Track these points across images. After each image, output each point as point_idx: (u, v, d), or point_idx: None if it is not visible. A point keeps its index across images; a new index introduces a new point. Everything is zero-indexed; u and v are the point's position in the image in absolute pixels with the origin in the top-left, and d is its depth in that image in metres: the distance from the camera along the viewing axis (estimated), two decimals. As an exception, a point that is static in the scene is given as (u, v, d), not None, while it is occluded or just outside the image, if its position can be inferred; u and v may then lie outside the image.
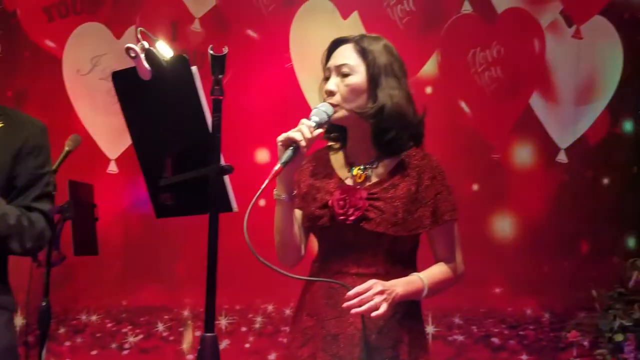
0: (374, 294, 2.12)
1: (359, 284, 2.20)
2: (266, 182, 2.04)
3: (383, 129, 2.31)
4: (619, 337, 4.13)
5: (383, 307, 2.13)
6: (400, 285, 2.21)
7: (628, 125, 5.13)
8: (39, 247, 2.61)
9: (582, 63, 5.10)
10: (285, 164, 2.12)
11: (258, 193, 2.00)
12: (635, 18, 5.14)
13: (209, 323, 1.78)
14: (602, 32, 5.14)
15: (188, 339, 4.93)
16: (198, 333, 4.88)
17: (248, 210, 1.94)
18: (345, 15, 5.03)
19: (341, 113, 2.31)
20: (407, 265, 2.37)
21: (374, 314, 2.11)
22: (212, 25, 5.08)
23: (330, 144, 2.50)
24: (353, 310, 2.10)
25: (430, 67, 5.07)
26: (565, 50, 5.12)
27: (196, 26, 5.08)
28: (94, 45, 5.11)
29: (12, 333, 2.65)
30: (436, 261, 2.44)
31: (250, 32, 5.08)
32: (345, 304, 2.11)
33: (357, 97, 2.31)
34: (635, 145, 5.12)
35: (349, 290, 2.12)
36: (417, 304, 2.39)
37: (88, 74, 5.09)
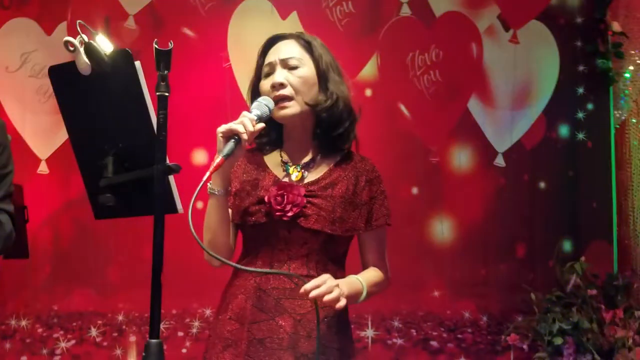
0: (333, 286, 2.06)
1: (289, 285, 2.20)
2: (207, 174, 1.99)
3: (335, 123, 2.30)
4: (557, 341, 4.17)
5: (343, 301, 2.08)
6: (344, 285, 2.15)
7: (564, 130, 5.20)
8: (6, 248, 2.51)
9: (519, 68, 5.16)
10: (227, 156, 2.05)
11: (200, 184, 1.95)
12: (571, 23, 5.22)
13: (154, 328, 1.69)
14: (538, 37, 5.20)
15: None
16: (133, 338, 4.76)
17: (191, 203, 1.86)
18: (284, 16, 4.98)
19: (294, 108, 2.27)
20: (338, 268, 2.34)
21: (337, 305, 2.06)
22: (147, 22, 4.96)
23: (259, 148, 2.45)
24: (326, 298, 2.02)
25: (369, 70, 5.05)
26: (502, 55, 5.17)
27: (130, 23, 4.96)
28: (23, 41, 4.93)
29: None
30: (364, 266, 2.42)
31: (187, 31, 4.98)
32: (312, 294, 2.01)
33: (309, 89, 2.29)
34: (571, 149, 5.19)
35: (304, 283, 2.04)
36: (346, 309, 2.35)
37: (17, 71, 4.92)
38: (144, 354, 1.68)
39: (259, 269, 2.23)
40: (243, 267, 2.23)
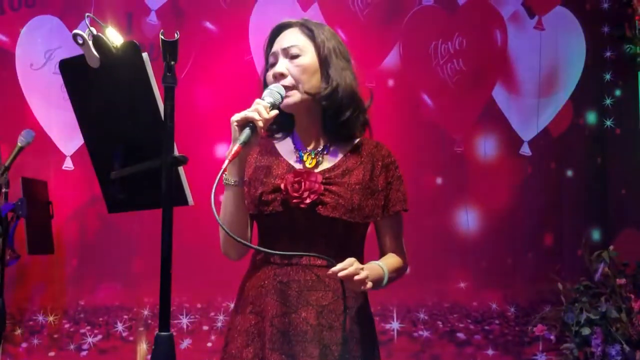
0: (359, 268, 2.06)
1: (310, 276, 2.18)
2: (226, 162, 1.99)
3: (337, 110, 2.28)
4: (585, 331, 4.11)
5: (370, 283, 2.08)
6: (367, 269, 2.13)
7: (591, 117, 5.13)
8: None
9: (545, 54, 5.09)
10: (244, 144, 2.03)
11: (220, 173, 1.96)
12: (597, 8, 5.14)
13: (164, 321, 1.68)
14: (564, 23, 5.13)
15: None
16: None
17: (212, 194, 1.88)
18: (305, 7, 4.96)
19: (295, 97, 2.24)
20: (357, 256, 2.28)
21: (365, 287, 2.07)
22: (169, 17, 4.98)
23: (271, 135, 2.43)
24: (356, 277, 2.03)
25: (392, 60, 5.01)
26: (527, 42, 5.11)
27: (152, 18, 4.98)
28: (48, 39, 4.98)
29: None
30: (382, 252, 2.40)
31: (209, 25, 4.99)
32: (342, 273, 2.02)
33: (310, 77, 2.25)
34: (599, 136, 5.12)
35: (334, 265, 2.04)
36: (367, 300, 2.34)
37: (41, 68, 4.96)
38: (153, 346, 1.67)
39: (288, 252, 2.20)
40: (271, 251, 2.19)
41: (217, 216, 1.99)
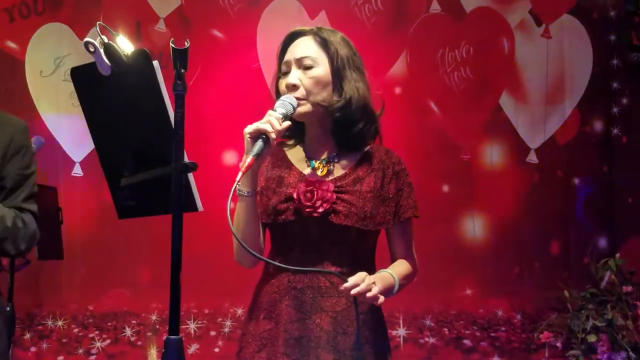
0: (371, 283, 2.05)
1: (324, 283, 2.18)
2: (240, 174, 1.99)
3: (349, 122, 2.26)
4: (591, 338, 4.10)
5: (382, 298, 2.07)
6: (378, 281, 2.12)
7: (598, 125, 5.14)
8: (30, 247, 2.55)
9: (552, 62, 5.11)
10: (257, 155, 2.03)
11: (235, 185, 1.98)
12: (604, 17, 5.15)
13: (174, 325, 1.70)
14: (571, 31, 5.14)
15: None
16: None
17: (228, 205, 1.88)
18: (312, 15, 4.98)
19: (306, 107, 2.23)
20: (369, 263, 2.32)
21: (378, 302, 2.06)
22: (177, 25, 5.00)
23: (283, 141, 2.43)
24: (368, 295, 2.02)
25: (399, 67, 5.03)
26: (534, 50, 5.12)
27: (161, 26, 5.00)
28: (57, 46, 5.01)
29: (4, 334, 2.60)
30: (393, 259, 2.39)
31: (216, 33, 5.01)
32: (354, 291, 2.01)
33: (322, 89, 2.24)
34: (606, 144, 5.12)
35: (345, 280, 2.04)
36: (380, 306, 2.32)
37: (51, 75, 4.98)
38: (163, 350, 1.68)
39: (300, 268, 2.19)
40: (286, 266, 2.18)
41: (232, 228, 1.99)
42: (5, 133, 2.53)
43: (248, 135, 2.08)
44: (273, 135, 2.06)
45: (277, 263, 2.18)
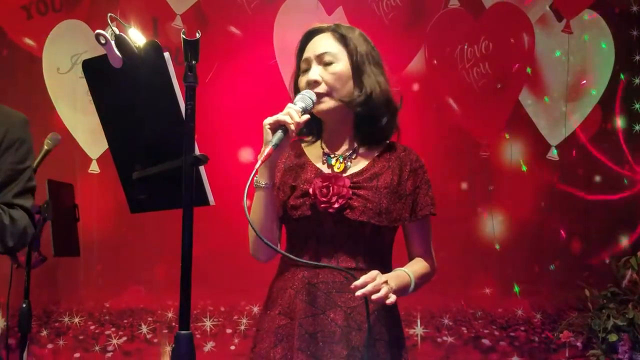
0: (381, 283, 2.04)
1: (338, 278, 2.20)
2: (258, 164, 2.01)
3: (370, 117, 2.29)
4: (612, 338, 4.07)
5: (392, 297, 2.07)
6: (392, 279, 2.13)
7: (620, 121, 5.08)
8: (22, 245, 2.53)
9: (572, 58, 5.04)
10: (276, 146, 2.06)
11: (252, 174, 1.97)
12: (627, 12, 5.09)
13: (184, 320, 1.67)
14: (592, 27, 5.08)
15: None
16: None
17: (245, 196, 1.88)
18: (329, 11, 4.96)
19: (329, 104, 2.27)
20: (385, 260, 2.33)
21: (387, 302, 2.05)
22: (194, 22, 5.00)
23: (302, 138, 2.46)
24: (374, 297, 2.01)
25: (417, 64, 4.98)
26: (555, 45, 5.06)
27: (178, 23, 4.99)
28: (74, 43, 5.01)
29: None
30: (411, 257, 2.40)
31: (233, 29, 5.00)
32: (359, 292, 2.00)
33: (343, 85, 2.28)
34: (628, 141, 5.06)
35: (356, 279, 2.03)
36: (396, 303, 2.32)
37: (68, 73, 4.99)
38: (173, 345, 1.66)
39: (312, 262, 2.22)
40: (298, 258, 2.20)
41: (249, 217, 2.00)
42: (1, 127, 2.51)
43: (268, 126, 2.10)
44: (292, 127, 2.09)
45: (290, 255, 2.16)
